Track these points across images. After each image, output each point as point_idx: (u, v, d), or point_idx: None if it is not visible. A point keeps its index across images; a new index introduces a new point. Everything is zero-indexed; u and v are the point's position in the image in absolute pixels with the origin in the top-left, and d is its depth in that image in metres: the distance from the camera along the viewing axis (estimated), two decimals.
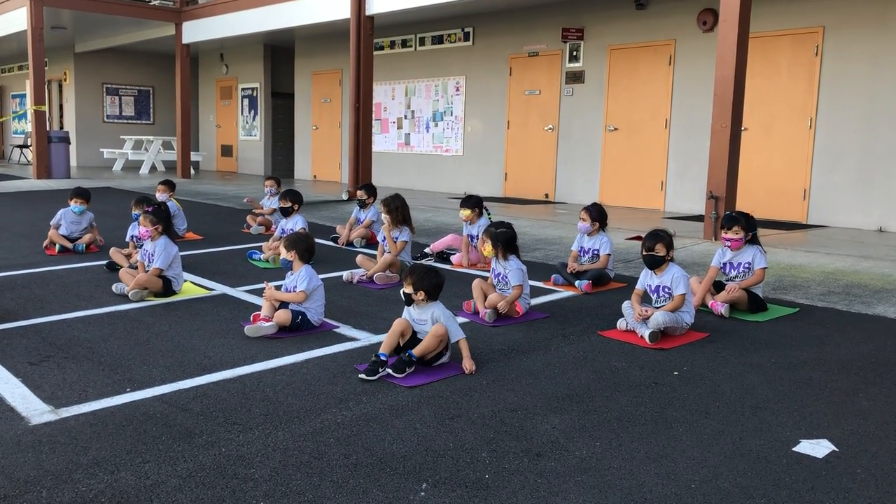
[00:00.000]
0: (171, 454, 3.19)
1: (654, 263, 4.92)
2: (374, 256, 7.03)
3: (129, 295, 5.82)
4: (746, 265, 5.52)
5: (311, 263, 5.29)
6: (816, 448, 3.30)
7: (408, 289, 4.36)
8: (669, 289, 4.89)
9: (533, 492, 2.91)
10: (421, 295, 4.35)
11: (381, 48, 15.98)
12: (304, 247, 5.19)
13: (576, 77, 12.82)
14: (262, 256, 7.45)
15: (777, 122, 10.43)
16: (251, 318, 5.22)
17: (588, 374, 4.26)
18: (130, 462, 3.12)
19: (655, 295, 4.97)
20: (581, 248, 6.56)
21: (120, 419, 3.57)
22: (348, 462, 3.15)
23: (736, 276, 5.56)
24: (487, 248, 5.42)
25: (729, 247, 5.59)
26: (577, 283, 6.20)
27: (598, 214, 6.48)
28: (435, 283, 4.37)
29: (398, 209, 6.77)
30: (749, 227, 5.55)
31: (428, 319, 4.36)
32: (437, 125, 15.33)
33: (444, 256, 7.57)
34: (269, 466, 3.10)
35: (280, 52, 19.63)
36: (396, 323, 4.40)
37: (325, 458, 3.19)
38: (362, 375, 4.19)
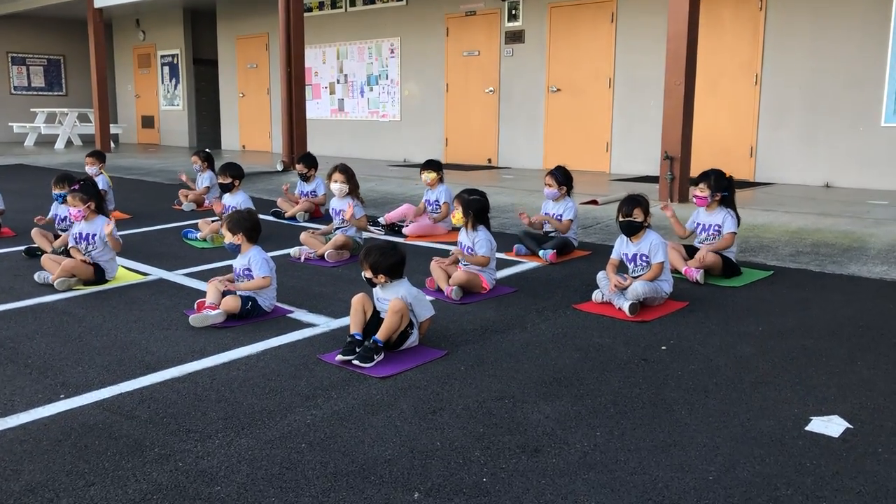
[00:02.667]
0: (120, 473, 2.77)
1: (633, 230, 4.64)
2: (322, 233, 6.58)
3: (55, 284, 5.25)
4: (716, 228, 5.30)
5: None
6: (830, 426, 3.08)
7: (367, 273, 3.98)
8: (647, 257, 4.62)
9: (539, 495, 2.60)
10: (382, 278, 3.97)
11: (310, 9, 15.27)
12: (249, 226, 4.73)
13: (516, 37, 12.45)
14: (198, 235, 6.92)
15: (722, 79, 10.29)
16: (195, 305, 4.75)
17: (571, 352, 3.97)
18: (72, 486, 2.68)
19: (633, 264, 4.70)
20: (546, 214, 6.25)
21: (55, 433, 3.11)
22: (326, 471, 2.78)
23: (706, 239, 5.35)
24: (457, 216, 5.05)
25: (696, 203, 5.36)
26: (540, 252, 5.90)
27: (563, 178, 6.17)
28: (393, 261, 4.00)
29: (353, 177, 6.32)
30: (718, 187, 5.33)
31: (390, 297, 3.99)
32: (371, 90, 14.78)
33: (395, 228, 7.17)
34: (237, 482, 2.71)
35: (201, 16, 18.64)
36: (355, 300, 4.03)
37: (299, 467, 2.81)
38: (339, 357, 3.81)
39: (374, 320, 4.00)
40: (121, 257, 6.14)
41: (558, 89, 12.03)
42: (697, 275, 5.09)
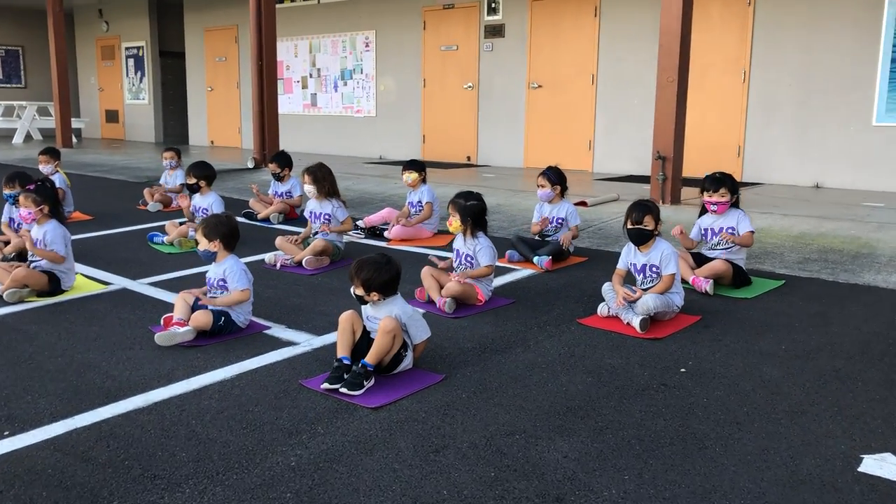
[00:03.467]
0: None
1: (643, 238, 4.27)
2: (297, 235, 6.13)
3: (5, 296, 4.76)
4: (730, 230, 4.96)
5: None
6: (885, 466, 2.74)
7: (358, 290, 3.57)
8: (658, 268, 4.26)
9: None
10: (375, 296, 3.57)
11: (282, 1, 14.75)
12: (226, 232, 4.28)
13: (496, 31, 12.06)
14: (165, 239, 6.44)
15: (710, 76, 10.00)
16: (161, 321, 4.30)
17: (582, 376, 3.59)
18: None
19: (642, 275, 4.34)
20: (542, 217, 5.87)
21: None
22: None
23: (718, 244, 5.00)
24: (455, 224, 4.66)
25: (715, 211, 5.01)
26: (535, 259, 5.52)
27: (557, 178, 5.79)
28: (388, 278, 3.59)
29: (325, 178, 5.88)
30: (735, 188, 5.00)
31: (382, 315, 3.59)
32: (346, 84, 14.31)
33: (376, 232, 6.75)
34: None
35: (167, 7, 17.99)
36: (343, 319, 3.62)
37: None
38: (324, 385, 3.40)
39: (364, 341, 3.59)
40: (80, 264, 5.65)
41: (539, 85, 11.67)
42: (707, 285, 4.74)
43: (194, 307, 4.27)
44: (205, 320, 4.12)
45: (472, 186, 9.19)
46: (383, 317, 3.55)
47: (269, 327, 4.36)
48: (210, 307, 4.19)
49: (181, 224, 6.56)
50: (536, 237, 5.85)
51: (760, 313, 4.46)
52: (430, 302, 4.63)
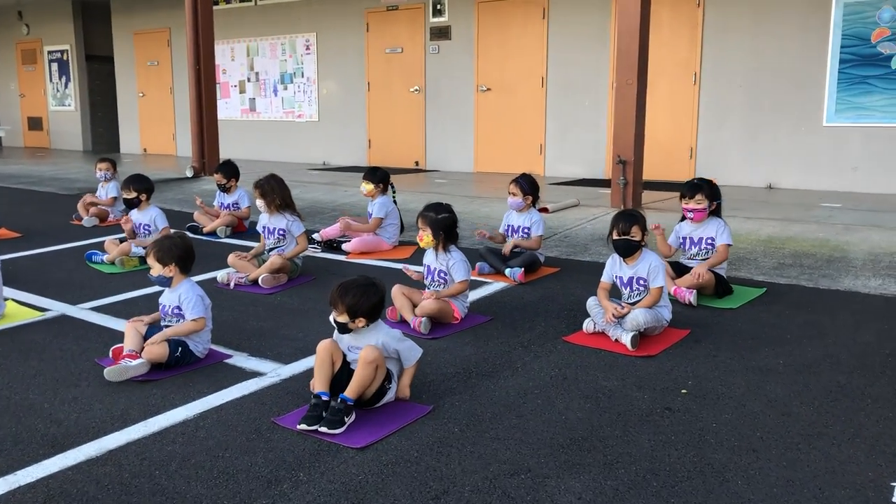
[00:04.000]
0: None
1: (630, 250, 4.06)
2: (249, 252, 5.74)
3: None
4: (710, 241, 4.80)
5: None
6: None
7: (342, 317, 3.25)
8: (645, 280, 4.05)
9: None
10: (361, 322, 3.25)
11: (217, 2, 14.19)
12: (181, 254, 3.90)
13: (442, 33, 11.80)
14: (105, 258, 5.97)
15: (661, 78, 9.92)
16: (110, 353, 3.90)
17: (579, 401, 3.35)
18: None
19: (628, 288, 4.12)
20: (509, 226, 5.62)
21: None
22: None
23: (697, 254, 4.84)
24: (426, 239, 4.36)
25: (691, 218, 4.85)
26: (507, 271, 5.27)
27: (529, 187, 5.55)
28: (375, 302, 3.29)
29: (274, 191, 5.51)
30: (714, 196, 4.84)
31: (364, 344, 3.28)
32: (286, 88, 13.85)
33: (333, 245, 6.40)
34: None
35: (93, 8, 17.19)
36: (321, 349, 3.30)
37: None
38: (301, 426, 3.07)
39: (345, 372, 3.27)
40: (10, 288, 5.17)
41: (488, 88, 11.46)
42: (690, 296, 4.57)
43: (146, 336, 3.89)
44: (160, 352, 3.74)
45: (425, 193, 8.92)
46: (364, 346, 3.24)
47: (229, 356, 4.00)
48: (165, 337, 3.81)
49: (122, 242, 6.09)
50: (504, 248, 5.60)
51: (749, 325, 4.30)
52: (403, 322, 4.33)
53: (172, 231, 6.18)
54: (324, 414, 3.12)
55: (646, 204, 7.69)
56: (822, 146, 8.99)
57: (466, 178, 10.96)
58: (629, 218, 4.03)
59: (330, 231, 6.47)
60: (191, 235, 7.14)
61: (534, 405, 3.31)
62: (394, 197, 6.54)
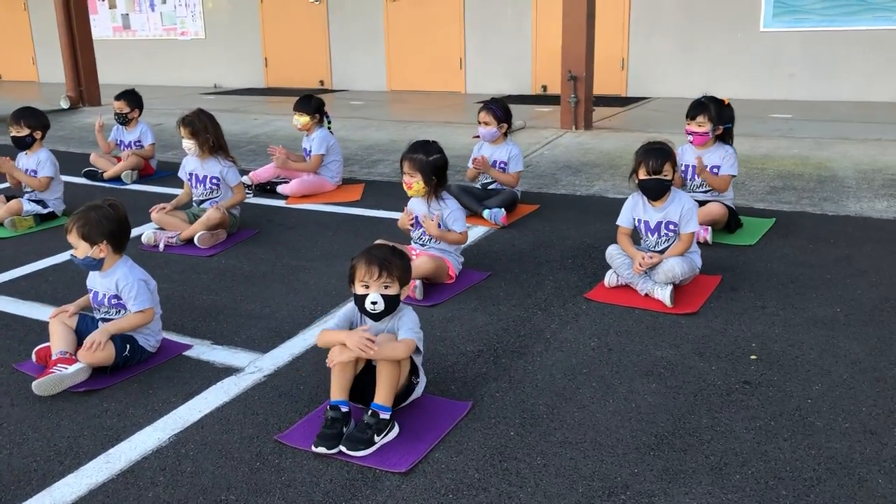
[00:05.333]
0: None
1: (662, 191, 3.49)
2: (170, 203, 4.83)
3: None
4: (714, 170, 4.30)
5: None
6: None
7: (392, 287, 2.52)
8: (676, 225, 3.51)
9: None
10: (409, 287, 2.60)
11: None
12: (112, 228, 3.04)
13: None
14: None
15: None
16: (33, 356, 3.05)
17: (642, 381, 2.81)
18: None
19: (655, 234, 3.57)
20: (478, 158, 4.92)
21: None
22: None
23: (701, 186, 4.34)
24: (416, 186, 3.64)
25: (691, 142, 4.32)
26: (486, 213, 4.63)
27: (503, 114, 4.85)
28: (408, 266, 2.62)
29: (206, 129, 4.61)
30: (721, 119, 4.31)
31: (390, 329, 2.60)
32: (165, 2, 12.34)
33: (267, 189, 5.55)
34: None
35: None
36: (332, 341, 2.57)
37: None
38: (319, 449, 2.40)
39: (364, 372, 2.58)
40: None
41: None
42: (706, 233, 4.08)
43: (79, 330, 3.06)
44: (104, 355, 2.93)
45: (345, 119, 8.06)
46: (389, 327, 2.56)
47: (188, 346, 3.22)
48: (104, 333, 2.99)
49: (9, 200, 5.03)
50: (478, 186, 4.94)
51: (780, 264, 3.86)
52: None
53: (63, 178, 5.19)
54: (344, 430, 2.46)
55: (596, 122, 7.17)
56: (759, 53, 8.68)
57: (383, 98, 10.10)
58: (660, 153, 3.45)
59: (262, 172, 5.59)
60: (88, 183, 6.12)
61: (590, 391, 2.76)
62: (329, 127, 5.71)
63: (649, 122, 7.31)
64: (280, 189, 5.46)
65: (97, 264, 3.03)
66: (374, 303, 2.53)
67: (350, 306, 2.67)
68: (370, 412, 2.47)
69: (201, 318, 3.51)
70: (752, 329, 3.18)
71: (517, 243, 4.32)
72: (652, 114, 8.01)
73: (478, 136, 4.91)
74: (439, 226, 3.69)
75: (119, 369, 2.99)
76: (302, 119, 5.50)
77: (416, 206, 3.78)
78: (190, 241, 4.41)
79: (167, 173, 6.41)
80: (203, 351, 3.19)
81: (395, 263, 2.52)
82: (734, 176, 4.32)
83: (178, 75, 12.45)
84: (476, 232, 4.50)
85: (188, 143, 4.54)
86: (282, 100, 10.37)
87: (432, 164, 3.61)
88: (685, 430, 2.51)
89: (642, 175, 3.46)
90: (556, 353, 3.04)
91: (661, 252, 3.54)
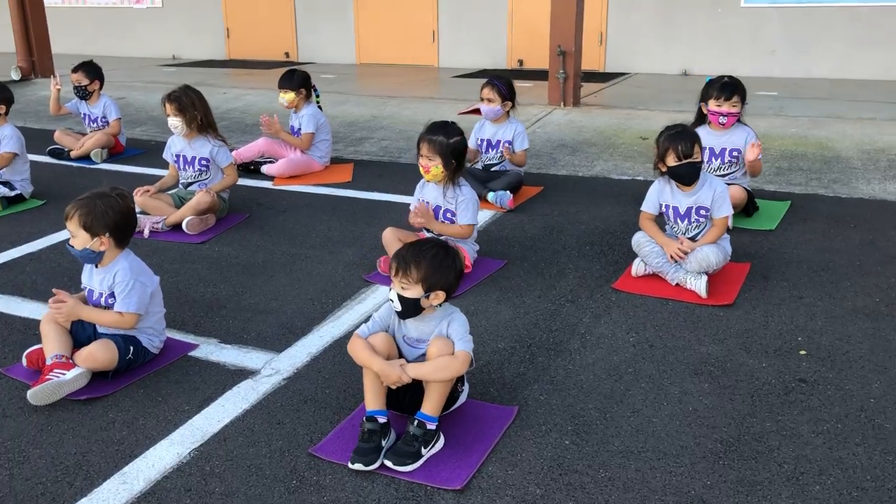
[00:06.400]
0: None
1: (695, 176, 3.32)
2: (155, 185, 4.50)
3: None
4: (734, 154, 4.15)
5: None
6: None
7: (410, 290, 2.31)
8: (708, 210, 3.35)
9: None
10: (440, 297, 2.33)
11: None
12: (119, 221, 2.75)
13: None
14: None
15: None
16: (23, 359, 2.76)
17: (692, 380, 2.65)
18: None
19: (685, 221, 3.40)
20: (483, 140, 4.70)
21: None
22: None
23: (719, 169, 4.18)
24: (434, 171, 3.39)
25: (722, 124, 4.14)
26: (490, 196, 4.41)
27: (508, 91, 4.61)
28: (459, 270, 2.38)
29: (195, 106, 4.28)
30: (745, 97, 4.16)
31: (433, 334, 2.38)
32: None
33: (250, 169, 5.24)
34: None
35: None
36: (376, 342, 2.34)
37: None
38: (356, 465, 2.19)
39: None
40: None
41: None
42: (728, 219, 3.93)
43: (74, 331, 2.78)
44: (105, 357, 2.65)
45: (323, 93, 7.71)
46: (434, 337, 2.35)
47: (194, 346, 2.96)
48: (107, 330, 2.72)
49: None
50: (479, 167, 4.72)
51: (805, 250, 3.74)
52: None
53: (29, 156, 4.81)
54: (383, 442, 2.25)
55: (582, 99, 6.99)
56: (739, 28, 8.58)
57: (353, 71, 9.76)
58: (687, 136, 3.27)
59: (246, 151, 5.27)
60: (54, 162, 5.73)
61: (641, 392, 2.59)
62: (318, 102, 5.41)
63: (637, 100, 7.16)
64: (265, 169, 5.16)
65: (95, 257, 2.74)
66: (391, 300, 2.33)
67: (387, 307, 2.45)
68: (416, 422, 2.26)
69: (203, 313, 3.24)
70: (794, 321, 3.04)
71: (528, 229, 4.13)
72: (636, 90, 7.86)
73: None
74: (448, 219, 3.47)
75: (121, 373, 2.72)
76: (287, 96, 5.19)
77: (430, 192, 3.54)
78: (177, 226, 4.11)
79: (138, 151, 6.05)
80: (211, 351, 2.93)
81: (418, 265, 2.27)
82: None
83: (133, 46, 11.89)
84: (483, 216, 4.27)
85: (175, 122, 4.21)
86: (247, 72, 9.98)
87: (453, 146, 3.38)
88: (750, 434, 2.35)
89: (671, 162, 3.28)
90: (594, 349, 2.87)
91: (692, 239, 3.38)
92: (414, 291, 2.29)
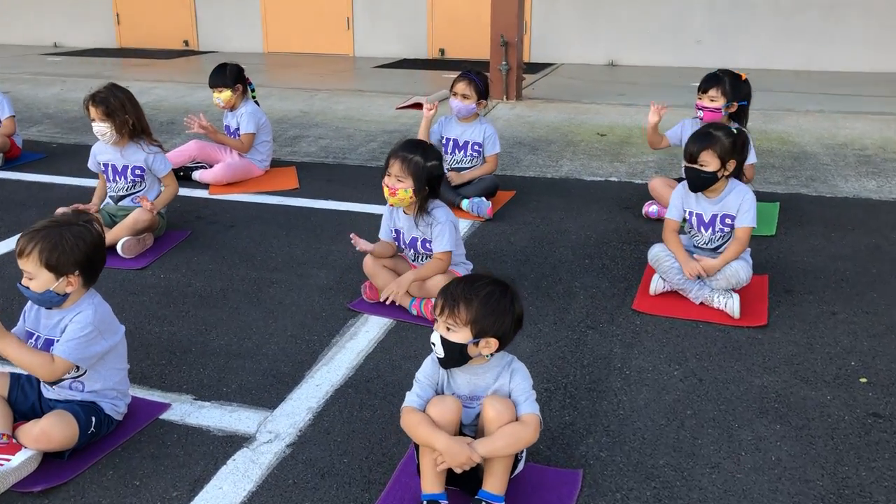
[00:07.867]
0: None
1: (699, 184, 3.03)
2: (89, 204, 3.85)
3: None
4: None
5: None
6: None
7: (457, 333, 1.88)
8: (733, 218, 3.07)
9: None
10: (491, 345, 1.92)
11: None
12: (89, 254, 2.18)
13: None
14: None
15: None
16: None
17: (757, 418, 2.35)
18: None
19: (710, 230, 3.10)
20: (449, 140, 4.25)
21: None
22: None
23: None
24: (401, 194, 2.91)
25: (700, 118, 3.90)
26: (465, 204, 4.00)
27: (484, 87, 4.18)
28: (518, 316, 1.96)
29: (125, 108, 3.65)
30: (736, 95, 3.90)
31: (490, 389, 1.97)
32: None
33: (180, 175, 4.61)
34: None
35: None
36: (436, 412, 1.91)
37: None
38: None
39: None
40: None
41: None
42: None
43: (12, 398, 2.21)
44: (64, 434, 2.10)
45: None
46: (487, 386, 1.95)
47: (166, 405, 2.43)
48: (59, 398, 2.16)
49: None
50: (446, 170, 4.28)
51: (816, 258, 3.52)
52: (390, 303, 2.97)
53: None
54: None
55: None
56: (664, 18, 8.49)
57: (262, 61, 9.10)
58: (698, 139, 2.98)
59: (177, 156, 4.63)
60: None
61: (710, 441, 2.26)
62: (254, 97, 4.85)
63: (576, 92, 6.91)
64: (198, 176, 4.56)
65: (59, 300, 2.17)
66: (433, 343, 1.92)
67: (430, 361, 2.02)
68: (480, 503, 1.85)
69: (165, 360, 2.70)
70: (838, 342, 2.80)
71: (515, 240, 3.75)
72: (569, 81, 7.62)
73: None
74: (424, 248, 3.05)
75: (80, 450, 2.18)
76: (224, 95, 4.60)
77: (399, 217, 3.09)
78: (110, 248, 3.49)
79: (38, 155, 5.30)
80: (187, 411, 2.41)
81: (469, 304, 1.88)
82: (754, 164, 3.97)
83: (8, 33, 10.74)
84: (462, 225, 3.86)
85: (101, 127, 3.57)
86: (144, 62, 9.16)
87: (430, 170, 2.92)
88: (850, 488, 2.07)
89: (684, 161, 3.02)
90: (640, 388, 2.53)
91: (715, 250, 3.10)
92: (461, 335, 1.88)
